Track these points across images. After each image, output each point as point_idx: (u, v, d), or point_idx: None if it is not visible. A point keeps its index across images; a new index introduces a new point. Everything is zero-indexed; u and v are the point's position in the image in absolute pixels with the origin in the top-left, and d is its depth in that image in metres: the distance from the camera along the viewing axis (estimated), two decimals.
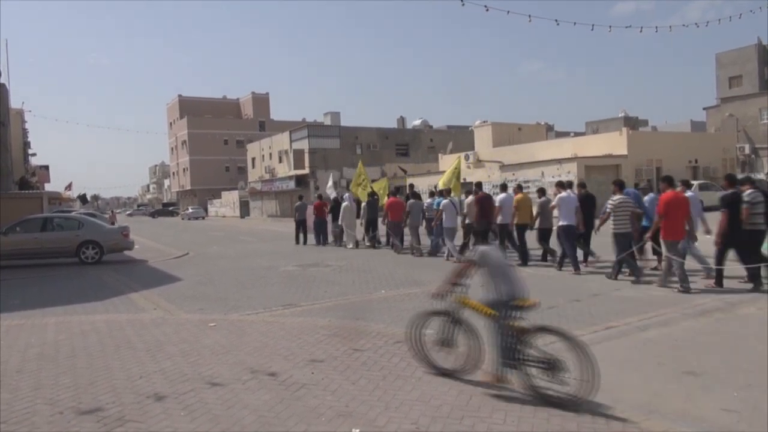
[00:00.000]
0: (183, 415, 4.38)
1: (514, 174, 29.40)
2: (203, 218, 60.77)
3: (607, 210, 10.30)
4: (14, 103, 39.05)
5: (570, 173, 26.78)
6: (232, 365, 5.62)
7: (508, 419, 4.12)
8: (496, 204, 13.17)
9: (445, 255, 14.18)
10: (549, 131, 52.59)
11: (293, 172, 47.56)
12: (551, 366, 4.54)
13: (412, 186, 20.74)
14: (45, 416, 4.47)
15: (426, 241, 15.89)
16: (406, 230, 16.24)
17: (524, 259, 12.58)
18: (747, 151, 43.72)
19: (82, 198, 47.30)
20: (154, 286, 11.70)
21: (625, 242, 9.96)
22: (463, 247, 12.91)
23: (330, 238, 19.61)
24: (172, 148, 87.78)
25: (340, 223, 18.47)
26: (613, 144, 30.14)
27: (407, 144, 51.71)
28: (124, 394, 4.90)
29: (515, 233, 12.98)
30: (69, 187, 52.69)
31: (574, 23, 26.93)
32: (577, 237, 11.38)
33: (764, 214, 8.77)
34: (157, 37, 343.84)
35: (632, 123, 54.62)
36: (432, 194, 17.31)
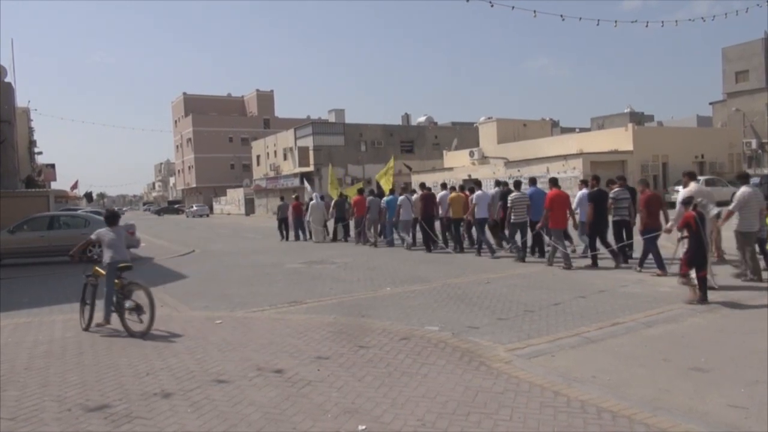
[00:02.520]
0: (190, 411, 4.40)
1: (519, 170, 29.31)
2: (207, 215, 60.94)
3: (509, 205, 12.54)
4: (20, 101, 39.24)
5: (575, 169, 26.72)
6: (239, 362, 5.64)
7: (514, 416, 4.12)
8: (437, 200, 15.25)
9: (406, 244, 16.17)
10: (554, 127, 52.36)
11: (298, 170, 47.60)
12: (137, 310, 6.84)
13: (378, 185, 22.14)
14: (53, 413, 4.50)
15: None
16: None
17: (459, 246, 14.71)
18: (754, 146, 43.46)
19: (88, 196, 47.52)
20: (160, 284, 11.73)
21: (522, 229, 12.50)
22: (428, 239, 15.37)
23: (308, 235, 21.36)
24: (177, 146, 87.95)
25: (308, 219, 20.61)
26: (619, 140, 30.02)
27: (412, 141, 51.64)
28: (131, 391, 4.92)
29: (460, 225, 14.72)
30: (75, 185, 52.94)
31: (580, 18, 26.68)
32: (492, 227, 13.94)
33: (628, 208, 11.06)
34: (162, 35, 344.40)
35: (638, 118, 54.35)
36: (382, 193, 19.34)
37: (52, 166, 52.63)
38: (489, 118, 40.87)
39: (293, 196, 24.04)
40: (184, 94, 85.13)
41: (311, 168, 46.55)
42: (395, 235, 17.08)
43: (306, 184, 28.26)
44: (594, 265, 11.10)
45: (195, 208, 63.28)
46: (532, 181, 13.11)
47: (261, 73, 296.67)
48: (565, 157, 28.44)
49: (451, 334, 6.48)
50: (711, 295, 8.08)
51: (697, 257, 7.75)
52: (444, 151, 43.94)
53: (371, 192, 19.19)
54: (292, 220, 21.53)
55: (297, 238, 21.46)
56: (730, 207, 9.15)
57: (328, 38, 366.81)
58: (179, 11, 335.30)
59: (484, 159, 37.24)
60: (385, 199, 17.40)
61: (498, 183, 14.06)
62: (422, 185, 16.95)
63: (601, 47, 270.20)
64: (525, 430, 3.91)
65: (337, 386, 4.84)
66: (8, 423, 4.32)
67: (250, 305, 8.92)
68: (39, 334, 7.30)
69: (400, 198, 16.16)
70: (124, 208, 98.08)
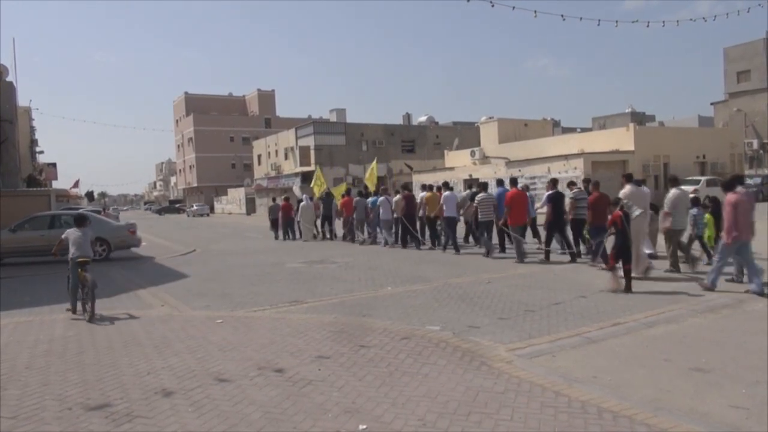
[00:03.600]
0: (190, 411, 4.40)
1: (520, 170, 29.29)
2: (208, 215, 61.01)
3: (474, 205, 13.82)
4: (21, 101, 39.25)
5: (576, 169, 26.69)
6: (239, 361, 5.64)
7: (515, 416, 4.11)
8: (418, 200, 16.39)
9: (383, 243, 17.28)
10: (555, 127, 52.32)
11: (299, 169, 47.61)
12: (91, 299, 7.99)
13: (365, 186, 22.99)
14: (54, 412, 4.50)
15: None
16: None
17: (433, 242, 15.80)
18: (755, 146, 43.46)
19: (89, 195, 47.51)
20: (161, 283, 11.75)
21: (487, 227, 13.64)
22: (404, 237, 16.47)
23: (297, 234, 22.14)
24: (178, 146, 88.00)
25: (298, 219, 21.44)
26: (620, 140, 29.98)
27: (413, 140, 51.63)
28: (131, 390, 4.92)
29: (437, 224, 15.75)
30: (76, 184, 52.96)
31: (581, 18, 26.78)
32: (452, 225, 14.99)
33: (585, 208, 11.49)
34: (163, 34, 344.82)
35: (639, 118, 54.35)
36: (366, 194, 20.09)
37: (54, 165, 52.68)
38: (490, 118, 40.83)
39: (283, 197, 24.86)
40: (186, 93, 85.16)
41: (312, 167, 46.56)
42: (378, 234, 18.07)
43: (296, 181, 29.51)
44: (546, 259, 12.27)
45: (196, 207, 63.34)
46: (500, 183, 14.24)
47: (262, 73, 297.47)
48: (567, 156, 28.40)
49: (452, 334, 6.48)
50: (712, 295, 8.09)
51: (622, 252, 8.72)
52: (445, 151, 43.90)
53: (359, 193, 20.00)
54: (281, 220, 22.25)
55: (285, 237, 22.15)
56: (666, 209, 10.29)
57: (329, 38, 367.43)
58: (181, 11, 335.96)
59: (485, 159, 37.20)
60: (370, 199, 18.35)
61: (447, 185, 15.43)
62: (404, 186, 18.16)
63: (602, 47, 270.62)
64: (526, 430, 3.90)
65: (337, 386, 4.84)
66: (9, 422, 4.33)
67: (250, 305, 8.93)
68: (40, 333, 7.31)
69: (380, 199, 17.26)
70: (125, 207, 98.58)
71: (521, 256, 12.43)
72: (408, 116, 63.96)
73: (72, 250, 8.39)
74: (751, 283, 8.11)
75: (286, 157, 52.02)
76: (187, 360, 5.76)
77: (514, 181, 13.34)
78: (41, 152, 52.64)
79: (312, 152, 46.73)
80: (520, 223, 12.68)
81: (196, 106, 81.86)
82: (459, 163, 38.92)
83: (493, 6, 19.15)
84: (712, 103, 51.99)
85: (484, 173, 31.24)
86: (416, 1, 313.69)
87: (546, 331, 6.59)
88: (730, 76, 49.22)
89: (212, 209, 67.70)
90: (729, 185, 8.41)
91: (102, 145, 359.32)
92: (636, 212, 9.52)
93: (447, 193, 15.03)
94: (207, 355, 5.94)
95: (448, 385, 4.78)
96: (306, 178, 46.48)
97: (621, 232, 8.75)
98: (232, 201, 65.22)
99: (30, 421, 4.33)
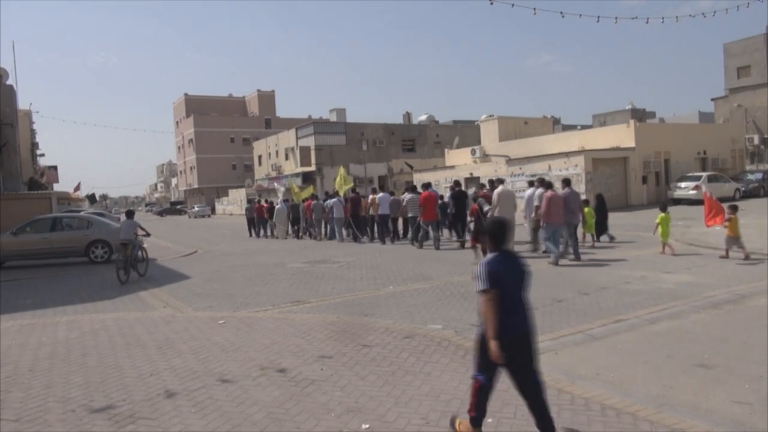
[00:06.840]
0: (193, 411, 4.41)
1: (520, 168, 29.27)
2: (209, 216, 61.02)
3: (404, 203, 16.52)
4: (22, 104, 39.28)
5: (577, 166, 26.66)
6: (242, 362, 5.64)
7: (517, 413, 4.11)
8: (369, 201, 18.47)
9: (337, 238, 19.63)
10: (556, 125, 52.23)
11: (300, 169, 47.62)
12: (133, 266, 12.40)
13: (327, 192, 25.30)
14: (57, 414, 4.51)
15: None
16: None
17: (382, 238, 17.90)
18: (756, 141, 43.33)
19: (91, 198, 47.35)
20: (164, 284, 11.76)
21: (413, 222, 16.18)
22: (356, 234, 19.16)
23: (269, 232, 24.85)
24: (179, 147, 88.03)
25: (273, 221, 23.91)
26: (621, 136, 29.91)
27: (413, 139, 51.58)
28: (135, 391, 4.93)
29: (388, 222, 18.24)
30: (77, 187, 52.96)
31: (580, 15, 26.79)
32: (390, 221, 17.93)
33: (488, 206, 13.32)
34: (164, 36, 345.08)
35: (640, 115, 54.23)
36: (331, 195, 22.30)
37: (55, 167, 52.60)
38: (490, 116, 40.73)
39: (256, 199, 27.24)
40: (186, 95, 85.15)
41: (313, 167, 46.58)
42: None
43: (277, 185, 32.57)
44: (462, 246, 14.96)
45: (197, 208, 63.33)
46: (425, 186, 16.11)
47: (262, 73, 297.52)
48: (567, 154, 28.35)
49: (455, 332, 6.48)
50: (714, 291, 8.10)
51: (479, 234, 11.38)
52: (446, 150, 43.84)
53: (315, 197, 23.14)
54: (257, 220, 25.01)
55: (258, 235, 24.93)
56: (538, 203, 12.31)
57: (328, 37, 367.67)
58: (181, 12, 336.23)
59: (485, 157, 37.15)
60: (328, 202, 20.69)
61: (382, 187, 17.72)
62: (353, 189, 20.27)
63: (602, 44, 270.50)
64: (529, 427, 3.90)
65: (340, 385, 4.84)
66: (13, 424, 4.33)
67: (253, 305, 8.93)
68: (43, 335, 7.32)
69: (332, 201, 19.86)
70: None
71: (421, 242, 15.46)
72: (408, 115, 63.85)
73: (121, 234, 12.76)
74: (567, 256, 11.33)
75: (286, 158, 52.03)
76: (190, 361, 5.77)
77: (427, 185, 15.96)
78: (42, 155, 52.66)
79: (312, 152, 46.72)
80: (432, 219, 15.25)
81: (196, 107, 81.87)
82: (459, 162, 38.87)
83: (492, 3, 19.15)
84: (712, 99, 51.78)
85: (485, 171, 31.19)
86: (416, 0, 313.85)
87: (548, 328, 6.58)
88: (730, 71, 49.04)
89: (213, 210, 67.71)
90: (547, 185, 12.14)
91: (103, 147, 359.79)
92: (486, 207, 12.39)
93: (380, 194, 18.01)
94: (210, 355, 5.95)
95: (450, 383, 4.78)
96: (306, 178, 46.55)
97: (478, 220, 12.18)
98: (233, 202, 65.18)
99: (33, 423, 4.34)
